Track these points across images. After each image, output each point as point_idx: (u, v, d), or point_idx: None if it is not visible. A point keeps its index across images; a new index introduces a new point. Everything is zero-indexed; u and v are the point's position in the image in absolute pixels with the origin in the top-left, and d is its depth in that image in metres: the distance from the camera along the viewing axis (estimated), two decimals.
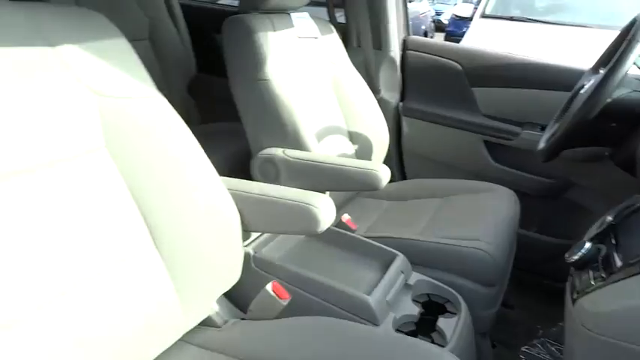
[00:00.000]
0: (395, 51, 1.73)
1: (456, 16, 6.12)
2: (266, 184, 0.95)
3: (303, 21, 1.50)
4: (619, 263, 0.75)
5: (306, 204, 0.86)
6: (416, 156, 1.83)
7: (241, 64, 1.29)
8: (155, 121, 0.87)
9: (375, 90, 1.70)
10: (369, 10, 1.66)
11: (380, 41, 1.72)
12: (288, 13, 1.46)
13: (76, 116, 0.77)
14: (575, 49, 3.32)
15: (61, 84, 0.76)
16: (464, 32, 5.79)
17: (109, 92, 0.81)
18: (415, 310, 1.06)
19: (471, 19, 5.20)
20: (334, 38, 1.61)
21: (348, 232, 1.22)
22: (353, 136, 1.59)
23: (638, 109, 1.01)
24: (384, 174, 1.17)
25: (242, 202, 0.92)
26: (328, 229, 0.98)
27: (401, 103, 1.79)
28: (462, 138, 1.71)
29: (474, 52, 1.68)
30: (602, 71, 1.23)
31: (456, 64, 1.67)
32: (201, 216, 0.87)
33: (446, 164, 1.77)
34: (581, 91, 1.15)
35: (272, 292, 0.92)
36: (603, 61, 1.24)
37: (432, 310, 1.08)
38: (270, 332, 0.92)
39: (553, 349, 1.37)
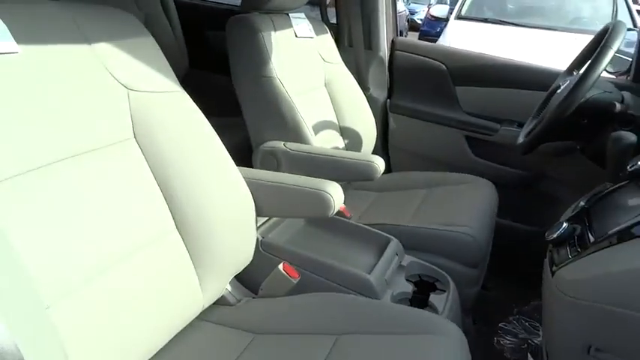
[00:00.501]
0: (384, 51, 1.84)
1: (432, 16, 6.28)
2: (277, 172, 1.04)
3: (300, 21, 1.58)
4: (592, 239, 0.87)
5: (320, 190, 0.95)
6: (401, 150, 1.93)
7: (246, 62, 1.36)
8: (178, 114, 0.94)
9: (364, 87, 1.80)
10: (361, 11, 1.75)
11: (370, 42, 1.82)
12: (287, 14, 1.54)
13: (110, 109, 0.84)
14: (544, 51, 3.51)
15: (97, 79, 0.83)
16: (438, 32, 5.97)
17: (138, 87, 0.88)
18: (409, 288, 1.16)
19: (446, 19, 5.36)
20: (328, 38, 1.70)
21: (345, 219, 1.32)
22: (343, 131, 1.69)
23: (608, 108, 1.14)
24: (380, 165, 1.27)
25: (256, 189, 1.00)
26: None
27: (388, 100, 1.90)
28: (445, 133, 1.82)
29: (458, 53, 1.80)
30: (575, 73, 1.37)
31: (440, 64, 1.79)
32: (219, 202, 0.95)
33: (429, 158, 1.88)
34: (558, 91, 1.27)
35: (284, 272, 1.01)
36: (577, 64, 1.37)
37: (423, 288, 1.19)
38: (282, 308, 1.01)
39: (526, 324, 1.50)
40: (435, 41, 4.12)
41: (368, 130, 1.74)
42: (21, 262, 0.63)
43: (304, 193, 0.97)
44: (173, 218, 0.90)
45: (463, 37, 4.22)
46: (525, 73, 1.70)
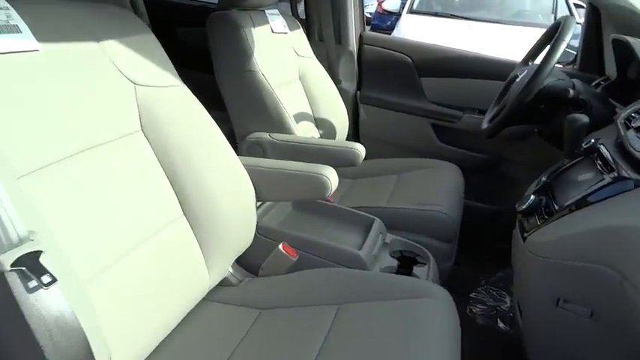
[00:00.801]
0: (353, 45, 1.93)
1: (384, 10, 6.44)
2: (274, 160, 1.11)
3: (275, 17, 1.65)
4: (556, 208, 1.01)
5: (318, 173, 1.03)
6: (372, 139, 2.04)
7: (229, 57, 1.42)
8: (181, 107, 1.00)
9: (336, 80, 1.90)
10: (332, 7, 1.84)
11: (340, 36, 1.91)
12: (263, 10, 1.61)
13: (119, 103, 0.89)
14: (491, 43, 3.73)
15: (106, 75, 0.88)
16: (388, 26, 6.15)
17: (143, 82, 0.94)
18: (394, 262, 1.27)
19: (398, 13, 5.55)
20: (300, 33, 1.78)
21: (330, 203, 1.41)
22: (318, 122, 1.77)
23: (562, 94, 1.28)
24: (362, 151, 1.37)
25: (255, 175, 1.07)
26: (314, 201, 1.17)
27: (358, 92, 2.00)
28: (412, 122, 1.95)
29: (422, 47, 1.92)
30: (530, 63, 1.52)
31: (406, 57, 1.90)
32: (222, 188, 1.01)
33: (399, 145, 2.00)
34: (517, 80, 1.41)
35: (284, 251, 1.09)
36: (531, 55, 1.52)
37: (405, 262, 1.30)
38: (282, 285, 1.09)
39: (494, 293, 1.65)
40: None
41: (340, 120, 1.84)
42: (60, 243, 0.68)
43: (303, 177, 1.05)
44: (180, 205, 0.96)
45: (416, 31, 4.40)
46: (484, 65, 1.85)
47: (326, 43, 1.88)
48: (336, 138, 1.81)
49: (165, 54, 1.01)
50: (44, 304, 0.55)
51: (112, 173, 0.84)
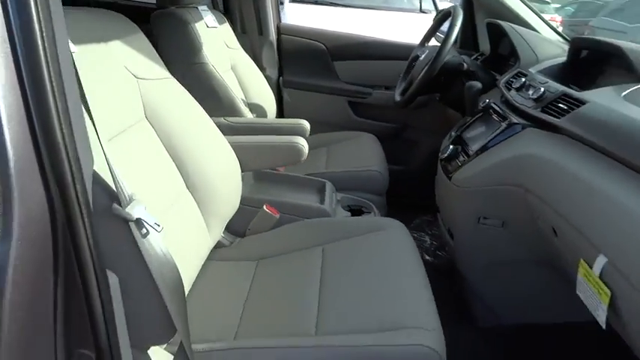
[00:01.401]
0: (273, 36, 2.15)
1: None
2: (249, 136, 1.31)
3: (207, 13, 1.81)
4: (470, 153, 1.35)
5: (293, 142, 1.26)
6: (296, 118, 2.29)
7: (178, 52, 1.56)
8: (175, 95, 1.17)
9: (261, 68, 2.10)
10: (252, 1, 2.03)
11: (261, 28, 2.11)
12: (196, 7, 1.76)
13: (128, 96, 1.04)
14: (370, 27, 4.17)
15: (117, 72, 1.02)
16: None
17: (144, 75, 1.09)
18: (348, 214, 1.55)
19: (281, 2, 5.77)
20: (228, 27, 1.95)
21: (283, 172, 1.64)
22: (251, 107, 1.97)
23: (458, 67, 1.64)
24: (306, 125, 1.62)
25: (239, 150, 1.27)
26: (270, 171, 1.39)
27: (281, 78, 2.23)
28: (331, 100, 2.23)
29: (334, 34, 2.21)
30: (426, 45, 1.88)
31: (320, 44, 2.18)
32: (215, 163, 1.20)
33: (321, 122, 2.27)
34: (421, 58, 1.76)
35: (268, 211, 1.30)
36: (426, 39, 1.89)
37: (355, 214, 1.58)
38: (270, 239, 1.31)
39: (415, 235, 2.02)
40: None
41: (269, 105, 2.06)
42: None
43: (281, 146, 1.27)
44: (184, 180, 1.12)
45: (300, 19, 4.68)
46: (386, 48, 2.19)
47: (249, 35, 2.07)
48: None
49: (154, 50, 1.15)
50: (154, 246, 0.73)
51: (131, 157, 0.98)
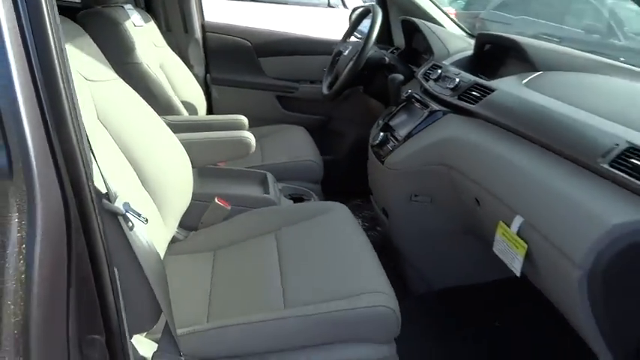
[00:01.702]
0: (198, 33, 2.17)
1: None
2: (197, 132, 1.36)
3: (132, 12, 1.80)
4: (399, 138, 1.51)
5: (241, 137, 1.33)
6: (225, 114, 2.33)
7: (110, 52, 1.54)
8: (124, 96, 1.20)
9: (189, 66, 2.12)
10: None
11: (186, 26, 2.13)
12: (122, 6, 1.74)
13: (83, 100, 1.05)
14: (284, 21, 4.28)
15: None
16: None
17: (93, 77, 1.11)
18: (291, 202, 1.65)
19: None
20: (153, 25, 1.95)
21: (224, 167, 1.70)
22: (183, 104, 2.00)
23: (380, 61, 1.80)
24: (244, 119, 1.69)
25: (188, 146, 1.31)
26: (212, 167, 1.46)
27: (208, 75, 2.26)
28: (259, 96, 2.31)
29: (258, 31, 2.28)
30: (348, 40, 2.02)
31: (245, 41, 2.24)
32: (167, 160, 1.25)
33: (250, 117, 2.33)
34: (345, 54, 1.89)
35: (220, 203, 1.36)
36: (347, 35, 2.03)
37: (296, 202, 1.69)
38: (223, 229, 1.38)
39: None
40: None
41: (199, 102, 2.09)
42: None
43: (229, 141, 1.33)
44: (139, 178, 1.16)
45: (215, 14, 4.65)
46: (309, 43, 2.31)
47: (175, 33, 2.08)
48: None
49: (100, 51, 1.16)
50: (140, 238, 0.78)
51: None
